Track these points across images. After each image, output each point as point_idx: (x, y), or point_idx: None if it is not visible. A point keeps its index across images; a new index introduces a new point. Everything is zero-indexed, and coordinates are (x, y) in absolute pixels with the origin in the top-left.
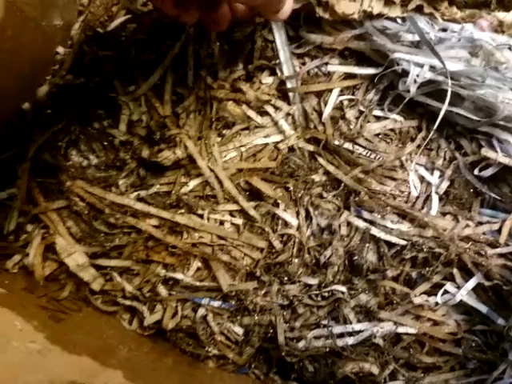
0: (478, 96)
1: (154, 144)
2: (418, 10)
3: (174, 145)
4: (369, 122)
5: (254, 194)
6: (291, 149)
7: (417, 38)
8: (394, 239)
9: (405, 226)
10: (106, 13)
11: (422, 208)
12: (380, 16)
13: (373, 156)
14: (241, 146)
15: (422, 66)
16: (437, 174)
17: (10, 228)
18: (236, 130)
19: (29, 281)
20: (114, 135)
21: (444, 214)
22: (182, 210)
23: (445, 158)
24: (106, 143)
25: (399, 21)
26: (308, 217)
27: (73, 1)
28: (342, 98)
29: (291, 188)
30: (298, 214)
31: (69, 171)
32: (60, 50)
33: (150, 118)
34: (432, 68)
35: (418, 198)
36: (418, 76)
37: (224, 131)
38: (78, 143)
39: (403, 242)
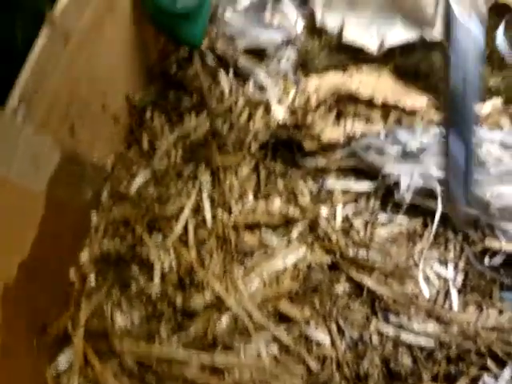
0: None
1: (185, 288)
2: (398, 122)
3: (203, 287)
4: (376, 228)
5: (284, 317)
6: (310, 265)
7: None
8: (423, 342)
9: (431, 326)
10: (128, 172)
11: (444, 302)
12: (363, 135)
13: (387, 259)
14: (263, 272)
15: (411, 174)
16: (451, 267)
17: None
18: (256, 260)
19: None
20: (150, 291)
21: (467, 304)
22: (219, 348)
23: (455, 249)
24: (144, 299)
25: (382, 135)
26: (339, 330)
27: (99, 172)
28: (346, 210)
29: (317, 305)
30: (329, 329)
31: (116, 333)
32: (93, 216)
33: (179, 264)
34: (421, 174)
35: (438, 293)
36: (409, 185)
37: (245, 260)
38: (120, 304)
39: (432, 344)
